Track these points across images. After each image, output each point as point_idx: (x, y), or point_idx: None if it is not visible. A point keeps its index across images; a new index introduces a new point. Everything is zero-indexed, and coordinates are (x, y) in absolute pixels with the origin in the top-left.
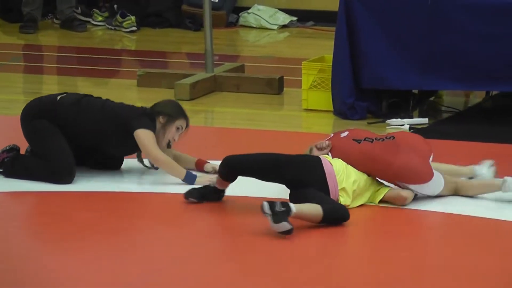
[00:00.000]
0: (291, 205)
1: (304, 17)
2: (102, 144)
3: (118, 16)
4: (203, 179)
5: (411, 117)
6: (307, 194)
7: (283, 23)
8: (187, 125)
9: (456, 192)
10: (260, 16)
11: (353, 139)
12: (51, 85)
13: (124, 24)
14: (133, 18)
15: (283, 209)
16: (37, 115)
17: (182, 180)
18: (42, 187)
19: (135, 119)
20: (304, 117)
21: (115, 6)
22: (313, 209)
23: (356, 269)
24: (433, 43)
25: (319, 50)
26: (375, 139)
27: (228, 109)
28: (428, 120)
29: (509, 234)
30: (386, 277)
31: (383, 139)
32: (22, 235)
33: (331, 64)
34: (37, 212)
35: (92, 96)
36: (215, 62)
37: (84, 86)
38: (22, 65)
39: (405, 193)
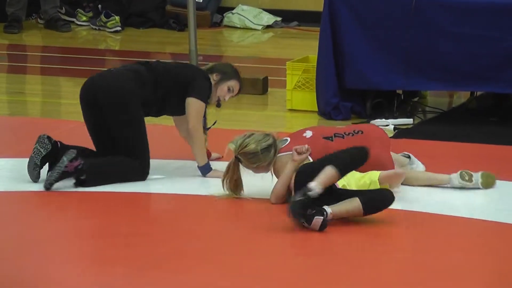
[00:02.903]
0: (325, 207)
1: (288, 17)
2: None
3: (102, 16)
4: (215, 174)
5: (396, 118)
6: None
7: (267, 24)
8: (239, 89)
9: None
10: (244, 17)
11: (324, 137)
12: (35, 85)
13: (108, 24)
14: (117, 18)
15: (313, 211)
16: (136, 97)
17: (199, 167)
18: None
19: (196, 85)
20: (288, 118)
21: (99, 6)
22: (351, 204)
23: (343, 270)
24: (417, 44)
25: (303, 50)
26: (345, 134)
27: (212, 110)
28: (413, 120)
29: (501, 234)
30: (372, 278)
31: (353, 134)
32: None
33: (315, 64)
34: (30, 212)
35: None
36: (200, 63)
37: (68, 86)
38: (5, 64)
39: (399, 170)
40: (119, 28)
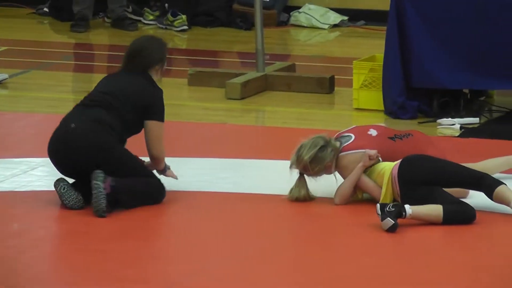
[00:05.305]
0: (407, 206)
1: (355, 16)
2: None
3: (169, 15)
4: (170, 173)
5: (462, 117)
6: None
7: (334, 23)
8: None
9: None
10: (311, 16)
11: (388, 137)
12: None
13: (175, 23)
14: (184, 17)
15: (392, 209)
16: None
17: (158, 171)
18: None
19: (156, 108)
20: (355, 117)
21: (166, 5)
22: (433, 211)
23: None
24: (483, 42)
25: (370, 49)
26: (403, 135)
27: (279, 108)
28: (479, 119)
29: None
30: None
31: (407, 136)
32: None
33: (382, 63)
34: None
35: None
36: (266, 61)
37: None
38: (72, 63)
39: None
40: (185, 27)
